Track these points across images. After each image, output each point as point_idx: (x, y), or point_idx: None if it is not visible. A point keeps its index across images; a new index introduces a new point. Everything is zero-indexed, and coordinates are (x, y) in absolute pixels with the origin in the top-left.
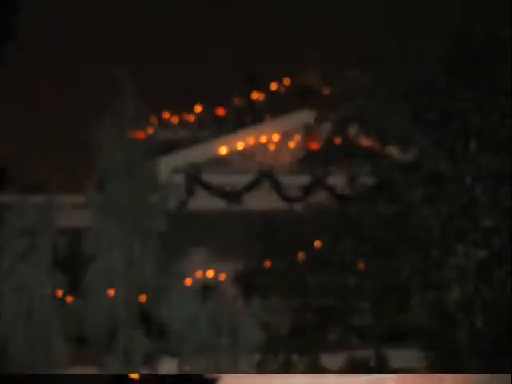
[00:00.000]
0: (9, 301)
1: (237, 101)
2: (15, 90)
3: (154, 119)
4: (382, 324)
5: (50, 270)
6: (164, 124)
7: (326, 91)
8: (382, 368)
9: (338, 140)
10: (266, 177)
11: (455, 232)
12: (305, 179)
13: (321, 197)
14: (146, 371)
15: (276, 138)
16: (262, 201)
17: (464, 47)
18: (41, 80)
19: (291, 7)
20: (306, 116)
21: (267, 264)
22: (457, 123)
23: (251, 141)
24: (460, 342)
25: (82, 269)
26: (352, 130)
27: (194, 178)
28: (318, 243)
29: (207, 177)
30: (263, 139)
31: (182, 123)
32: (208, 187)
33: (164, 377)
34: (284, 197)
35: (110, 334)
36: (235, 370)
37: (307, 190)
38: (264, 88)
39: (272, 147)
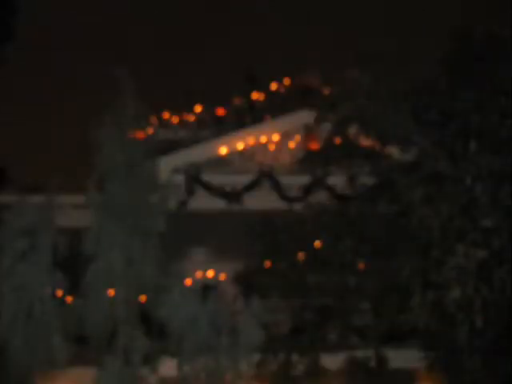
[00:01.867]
0: (9, 301)
1: (237, 101)
2: (15, 90)
3: (154, 119)
4: (382, 324)
5: (50, 270)
6: (164, 124)
7: (326, 91)
8: (381, 368)
9: (338, 140)
10: (266, 177)
11: (455, 232)
12: (305, 179)
13: (321, 197)
14: (145, 371)
15: (276, 138)
16: (262, 201)
17: (464, 47)
18: (41, 80)
19: (291, 7)
20: (306, 116)
21: (267, 264)
22: (457, 123)
23: (251, 141)
24: (460, 342)
25: (81, 269)
26: (352, 130)
27: (194, 178)
28: (317, 243)
29: (207, 177)
30: (263, 139)
31: (182, 123)
32: (208, 187)
33: None
34: (284, 197)
35: (110, 334)
36: (235, 369)
37: (307, 190)
38: (264, 88)
39: (272, 147)
